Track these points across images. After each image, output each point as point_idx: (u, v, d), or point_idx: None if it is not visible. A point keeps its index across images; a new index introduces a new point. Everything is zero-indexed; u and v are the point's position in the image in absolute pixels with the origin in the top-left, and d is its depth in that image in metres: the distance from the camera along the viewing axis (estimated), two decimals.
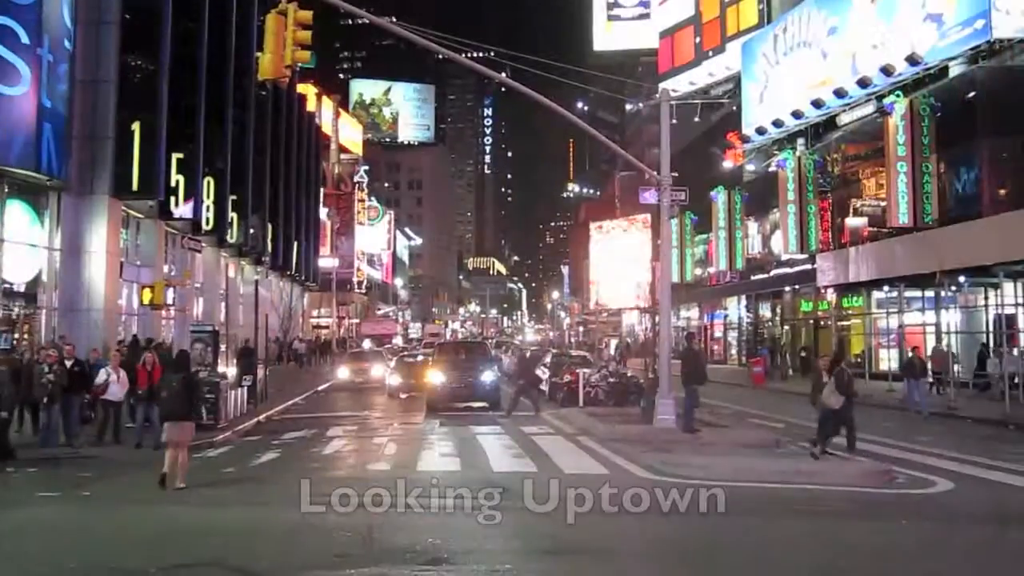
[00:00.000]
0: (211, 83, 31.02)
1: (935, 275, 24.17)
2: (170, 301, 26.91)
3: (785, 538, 9.21)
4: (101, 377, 16.68)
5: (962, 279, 24.70)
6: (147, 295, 26.09)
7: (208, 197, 31.81)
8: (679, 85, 52.02)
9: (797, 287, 40.66)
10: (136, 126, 25.67)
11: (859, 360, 32.73)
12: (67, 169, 23.93)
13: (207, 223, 31.88)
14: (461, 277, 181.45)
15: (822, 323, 38.38)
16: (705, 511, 10.65)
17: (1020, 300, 24.68)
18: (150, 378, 16.43)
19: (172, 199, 28.50)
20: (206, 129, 30.52)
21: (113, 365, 17.13)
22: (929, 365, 24.58)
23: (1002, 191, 27.36)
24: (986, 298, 26.56)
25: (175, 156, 28.25)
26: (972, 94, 28.45)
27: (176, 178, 28.53)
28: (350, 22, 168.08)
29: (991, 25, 27.28)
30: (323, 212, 63.99)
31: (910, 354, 23.70)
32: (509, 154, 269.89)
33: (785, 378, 35.16)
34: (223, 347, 27.31)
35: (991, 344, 25.53)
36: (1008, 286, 24.83)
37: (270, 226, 43.09)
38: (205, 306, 34.70)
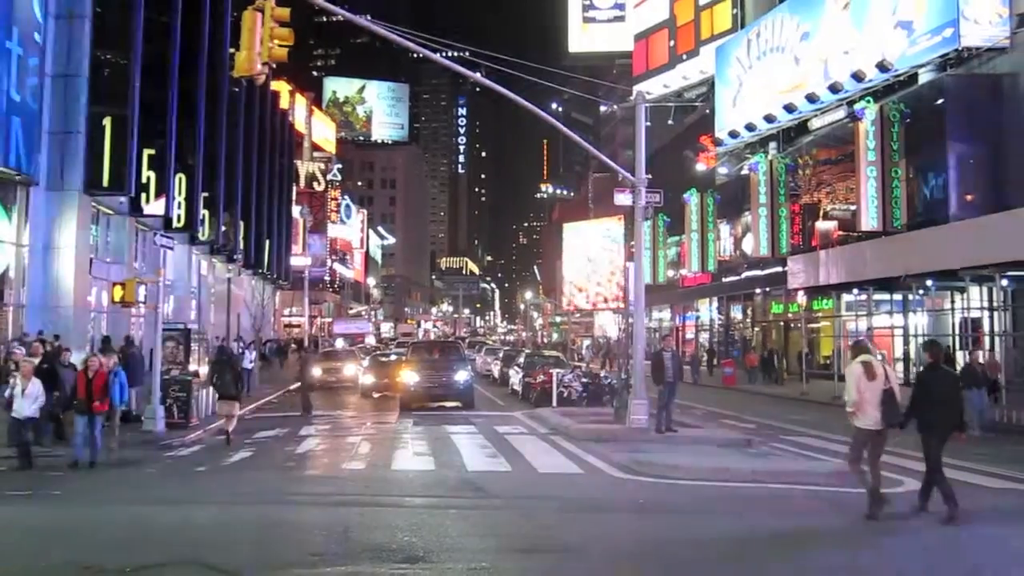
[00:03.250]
0: (183, 78, 30.71)
1: (903, 278, 24.55)
2: (141, 299, 26.60)
3: (757, 536, 9.33)
4: (6, 392, 14.31)
5: (929, 283, 25.09)
6: (118, 292, 25.68)
7: (180, 194, 31.52)
8: (653, 88, 52.33)
9: (768, 289, 41.07)
10: (107, 121, 25.35)
11: (828, 362, 33.18)
12: (36, 164, 23.59)
13: (178, 220, 31.58)
14: (434, 277, 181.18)
15: (792, 325, 38.79)
16: (678, 510, 10.79)
17: (985, 304, 25.09)
18: (90, 386, 14.01)
19: (143, 195, 28.19)
20: (178, 125, 30.22)
21: (24, 373, 14.17)
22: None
23: (969, 197, 27.81)
24: (952, 302, 26.99)
25: (146, 152, 27.96)
26: (941, 101, 28.89)
27: (147, 174, 28.24)
28: (324, 19, 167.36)
29: (960, 33, 27.72)
30: (296, 210, 63.63)
31: (967, 359, 20.95)
32: (483, 154, 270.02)
33: (781, 382, 34.86)
34: (195, 345, 27.09)
35: (956, 347, 25.93)
36: (974, 290, 25.24)
37: (242, 224, 42.76)
38: (176, 304, 34.35)
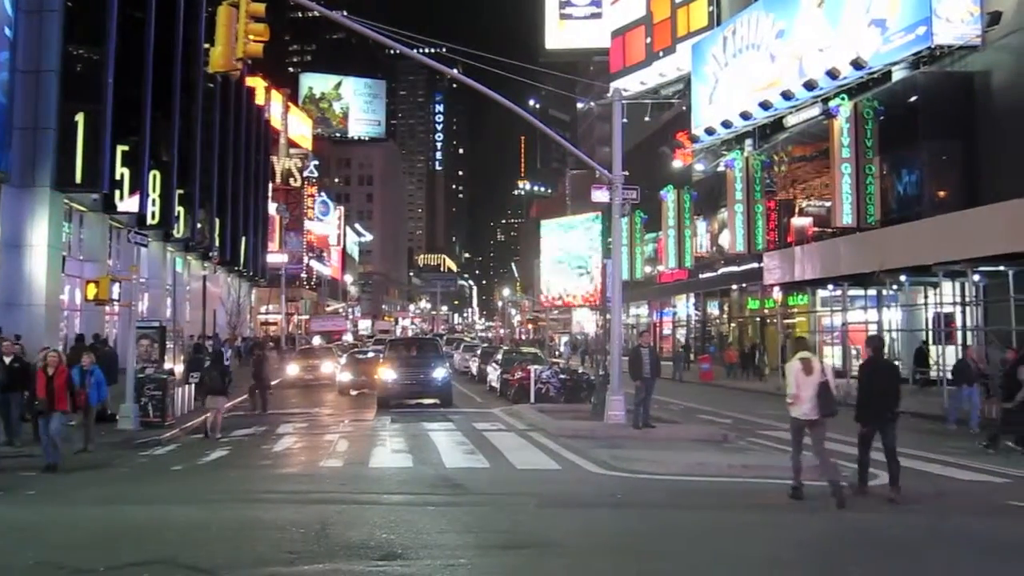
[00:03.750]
0: (158, 74, 30.44)
1: (877, 273, 24.79)
2: (115, 296, 26.35)
3: (733, 530, 9.40)
4: None
5: (903, 278, 25.31)
6: (91, 290, 25.44)
7: (154, 190, 31.26)
8: (630, 84, 52.44)
9: (744, 285, 41.34)
10: (80, 117, 25.11)
11: None
12: (7, 160, 23.33)
13: (153, 217, 31.33)
14: (412, 274, 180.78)
15: (768, 320, 39.06)
16: (655, 505, 10.85)
17: (958, 299, 25.38)
18: (50, 384, 13.30)
19: (117, 192, 27.94)
20: (152, 121, 29.97)
21: None
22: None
23: (941, 193, 28.14)
24: (925, 297, 27.27)
25: (120, 148, 27.72)
26: (914, 98, 29.19)
27: (121, 171, 27.99)
28: (300, 15, 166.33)
29: (932, 32, 28.01)
30: (272, 207, 63.28)
31: (959, 356, 20.53)
32: (460, 151, 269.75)
33: (763, 378, 34.82)
34: (170, 343, 26.88)
35: (930, 341, 26.21)
36: (947, 285, 25.49)
37: (218, 221, 42.46)
38: (151, 302, 34.08)
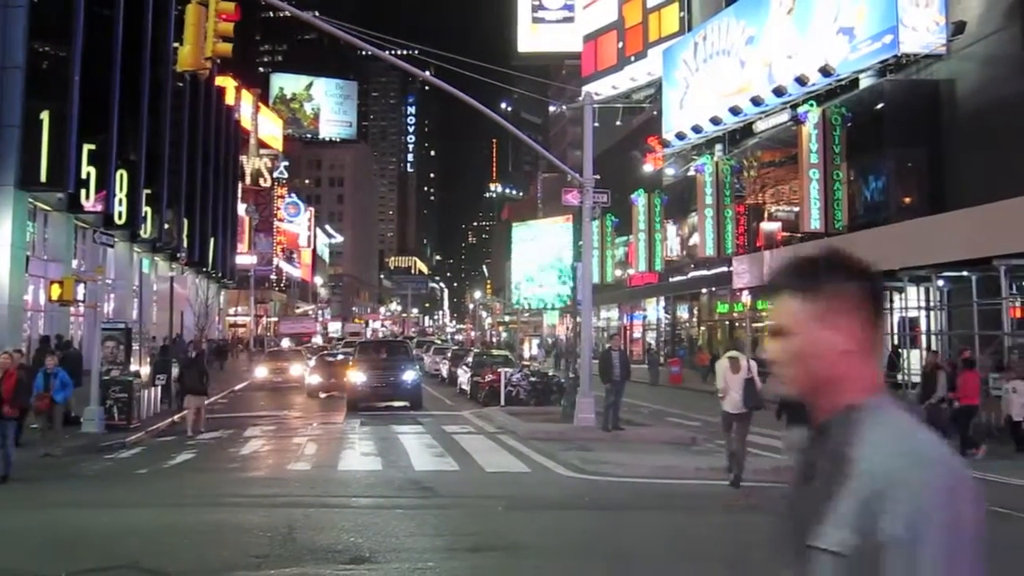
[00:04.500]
0: (126, 72, 30.08)
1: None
2: (80, 297, 25.97)
3: (701, 532, 9.47)
4: None
5: None
6: (55, 291, 25.07)
7: (121, 190, 30.85)
8: (602, 88, 52.66)
9: (714, 289, 41.61)
10: (45, 115, 24.75)
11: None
12: None
13: (120, 217, 30.92)
14: (382, 276, 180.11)
15: (737, 324, 39.37)
16: (622, 507, 10.89)
17: (923, 304, 25.75)
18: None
19: (83, 191, 27.54)
20: (120, 120, 29.61)
21: None
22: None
23: (907, 199, 28.53)
24: (891, 302, 27.64)
25: (86, 147, 27.32)
26: (880, 105, 29.58)
27: (87, 170, 27.58)
28: (271, 15, 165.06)
29: (899, 40, 28.40)
30: (241, 208, 62.75)
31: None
32: (432, 153, 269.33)
33: None
34: (136, 345, 26.53)
35: (896, 345, 26.58)
36: (912, 290, 25.89)
37: (186, 221, 42.01)
38: (117, 303, 33.66)
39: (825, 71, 31.83)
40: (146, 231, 34.91)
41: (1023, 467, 13.68)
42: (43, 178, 24.80)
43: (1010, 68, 25.37)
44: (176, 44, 26.54)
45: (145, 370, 25.36)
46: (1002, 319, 19.51)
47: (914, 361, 25.71)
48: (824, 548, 1.55)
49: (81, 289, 23.24)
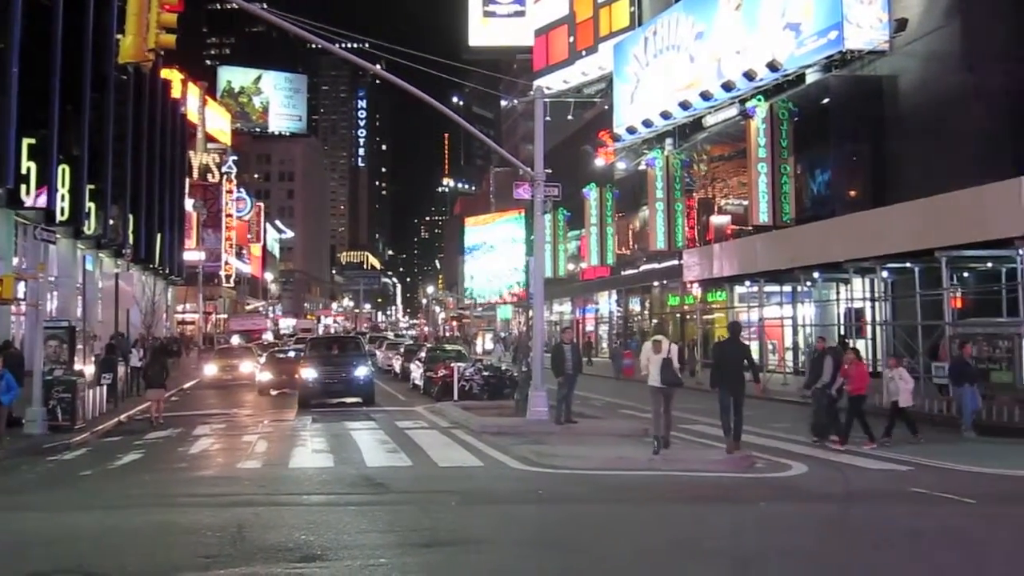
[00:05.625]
0: (67, 64, 29.29)
1: (792, 270, 25.57)
2: (20, 296, 25.33)
3: (654, 522, 9.56)
4: None
5: (816, 275, 26.11)
6: None
7: (63, 185, 30.07)
8: (553, 83, 52.80)
9: (665, 282, 42.03)
10: None
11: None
12: None
13: (62, 213, 30.13)
14: (334, 271, 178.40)
15: (688, 317, 39.81)
16: (576, 499, 10.95)
17: (868, 295, 26.30)
18: None
19: (23, 187, 26.82)
20: (61, 113, 28.85)
21: None
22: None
23: (852, 193, 29.11)
24: (837, 293, 28.19)
25: (26, 141, 26.60)
26: (826, 100, 30.12)
27: (27, 165, 26.86)
28: (218, 6, 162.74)
29: (844, 36, 28.93)
30: (189, 203, 61.67)
31: (956, 351, 17.59)
32: (384, 147, 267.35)
33: (693, 374, 34.78)
34: (80, 344, 25.95)
35: (843, 336, 27.10)
36: (857, 281, 26.42)
37: (131, 217, 41.11)
38: (61, 301, 32.81)
39: (772, 66, 32.30)
40: (90, 227, 34.09)
41: (965, 452, 14.07)
42: None
43: (949, 65, 26.02)
44: (119, 35, 25.95)
45: (90, 369, 24.80)
46: (943, 309, 19.99)
47: (860, 352, 26.26)
48: None
49: (22, 287, 22.65)
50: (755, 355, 28.99)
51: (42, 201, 28.10)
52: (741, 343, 14.41)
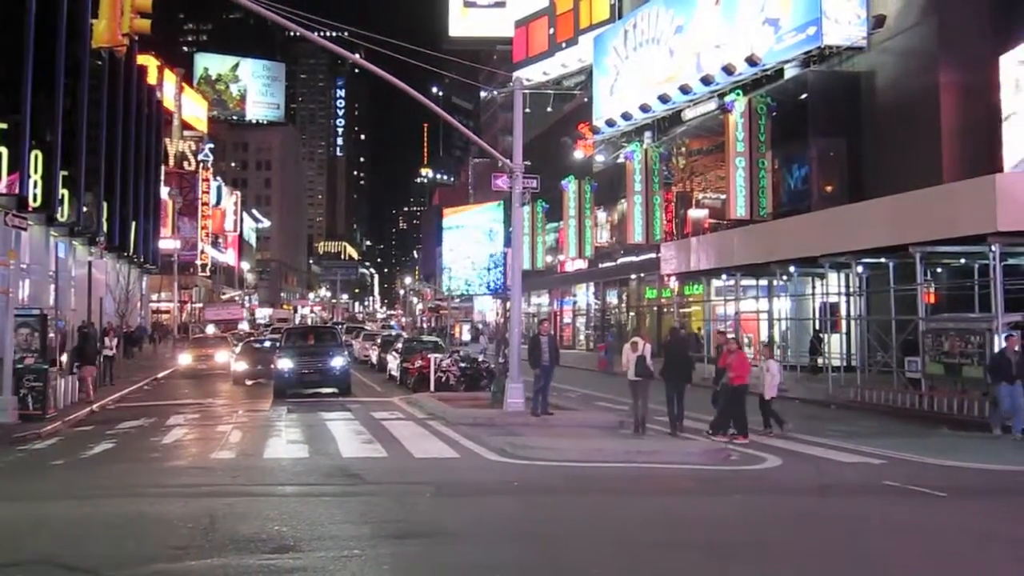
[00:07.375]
0: (39, 49, 28.77)
1: (768, 264, 25.72)
2: None
3: (630, 514, 9.58)
4: None
5: (792, 269, 26.26)
6: None
7: (36, 172, 29.59)
8: (533, 75, 52.73)
9: (642, 275, 42.12)
10: None
11: (701, 343, 34.29)
12: None
13: (34, 200, 29.64)
14: (311, 261, 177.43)
15: (665, 310, 39.94)
16: (551, 490, 10.96)
17: (843, 289, 26.50)
18: None
19: None
20: (33, 99, 28.36)
21: None
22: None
23: (828, 188, 29.29)
24: (813, 287, 28.37)
25: None
26: (804, 96, 30.26)
27: None
28: None
29: (822, 32, 29.07)
30: (164, 191, 61.02)
31: (1000, 347, 16.21)
32: (362, 137, 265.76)
33: None
34: (52, 332, 25.58)
35: (817, 329, 27.30)
36: (832, 276, 26.60)
37: (106, 204, 40.59)
38: (32, 289, 32.31)
39: (751, 61, 32.40)
40: (63, 214, 33.60)
41: (931, 447, 14.24)
42: None
43: (925, 62, 26.23)
44: (94, 20, 25.57)
45: (63, 358, 24.52)
46: (917, 304, 20.19)
47: (835, 346, 26.51)
48: None
49: None
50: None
51: (14, 187, 27.69)
52: (682, 345, 16.72)
